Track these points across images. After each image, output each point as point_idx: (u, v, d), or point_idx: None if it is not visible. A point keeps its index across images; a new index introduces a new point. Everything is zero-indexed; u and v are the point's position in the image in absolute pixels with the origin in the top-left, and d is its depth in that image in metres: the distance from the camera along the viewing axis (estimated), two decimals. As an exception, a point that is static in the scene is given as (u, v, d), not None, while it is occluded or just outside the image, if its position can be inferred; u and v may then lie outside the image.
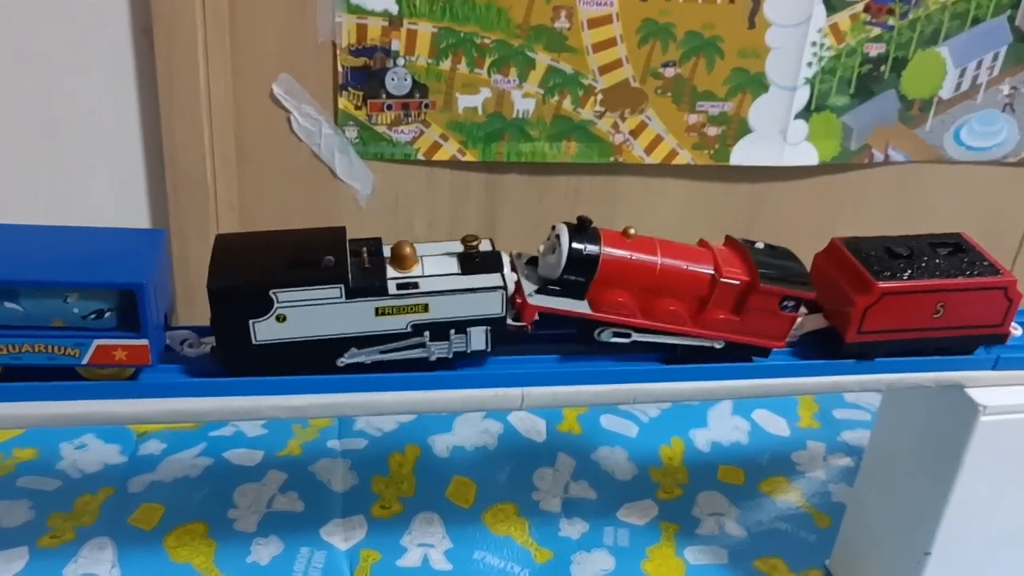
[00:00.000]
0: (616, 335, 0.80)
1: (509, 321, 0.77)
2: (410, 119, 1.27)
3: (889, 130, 1.41)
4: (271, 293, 0.71)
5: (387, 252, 0.77)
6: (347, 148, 1.28)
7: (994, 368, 0.89)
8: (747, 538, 1.17)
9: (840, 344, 0.85)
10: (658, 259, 0.79)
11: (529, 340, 0.80)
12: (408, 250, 0.76)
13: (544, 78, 1.27)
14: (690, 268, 0.80)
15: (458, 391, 0.79)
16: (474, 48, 1.24)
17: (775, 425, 1.37)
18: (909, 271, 0.84)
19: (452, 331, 0.76)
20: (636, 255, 0.79)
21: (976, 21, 1.34)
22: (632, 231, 0.80)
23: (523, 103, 1.29)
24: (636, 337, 0.80)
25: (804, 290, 0.81)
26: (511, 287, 0.76)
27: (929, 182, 1.47)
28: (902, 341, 0.86)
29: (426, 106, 1.27)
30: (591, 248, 0.78)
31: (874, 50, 1.33)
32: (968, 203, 1.51)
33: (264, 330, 0.73)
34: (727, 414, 1.38)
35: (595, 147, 1.33)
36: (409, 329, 0.75)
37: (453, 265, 0.77)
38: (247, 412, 0.77)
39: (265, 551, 1.08)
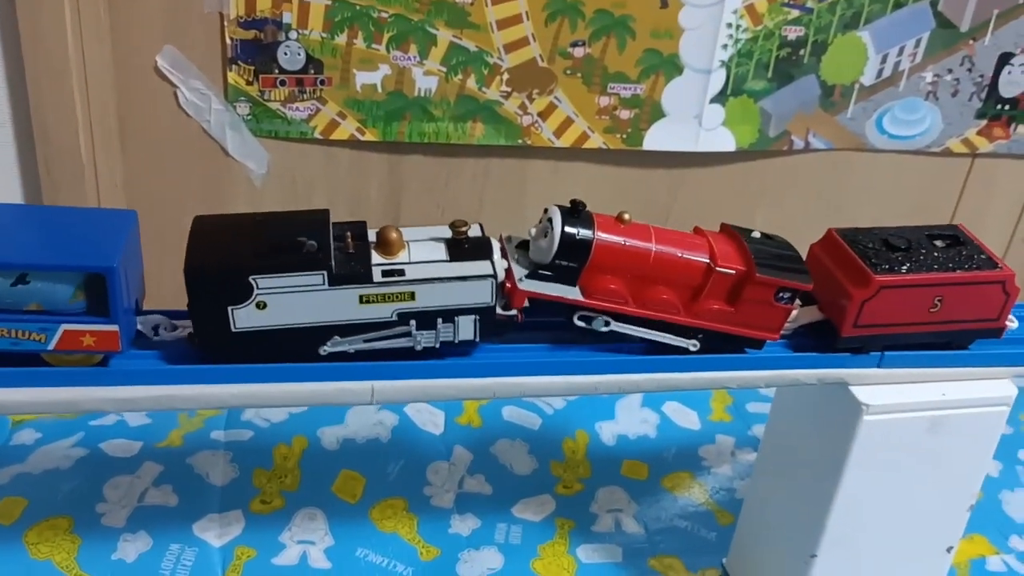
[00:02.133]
0: (607, 324, 0.77)
1: (498, 310, 0.75)
2: (305, 96, 1.21)
3: (809, 116, 1.37)
4: (251, 279, 0.69)
5: (372, 236, 0.74)
6: (239, 125, 1.22)
7: (879, 366, 0.86)
8: (644, 536, 1.13)
9: (836, 337, 0.83)
10: (652, 246, 0.77)
11: (518, 328, 0.78)
12: (394, 235, 0.73)
13: (446, 55, 1.22)
14: (685, 256, 0.78)
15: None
16: (371, 22, 1.18)
17: (686, 418, 1.34)
18: (907, 264, 0.82)
19: (440, 320, 0.73)
20: (630, 241, 0.76)
21: (898, 6, 1.31)
22: (627, 216, 0.77)
23: (425, 81, 1.23)
24: (622, 328, 0.78)
25: (801, 281, 0.79)
26: (501, 274, 0.74)
27: (852, 171, 1.44)
28: (899, 335, 0.84)
29: (322, 82, 1.21)
30: (584, 233, 0.75)
31: (793, 33, 1.29)
32: (892, 193, 1.47)
33: (244, 317, 0.70)
34: (636, 406, 1.34)
35: (502, 129, 1.28)
36: (394, 318, 0.72)
37: (441, 251, 0.74)
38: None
39: (132, 548, 1.02)
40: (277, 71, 1.19)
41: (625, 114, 1.30)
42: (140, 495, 1.08)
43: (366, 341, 0.73)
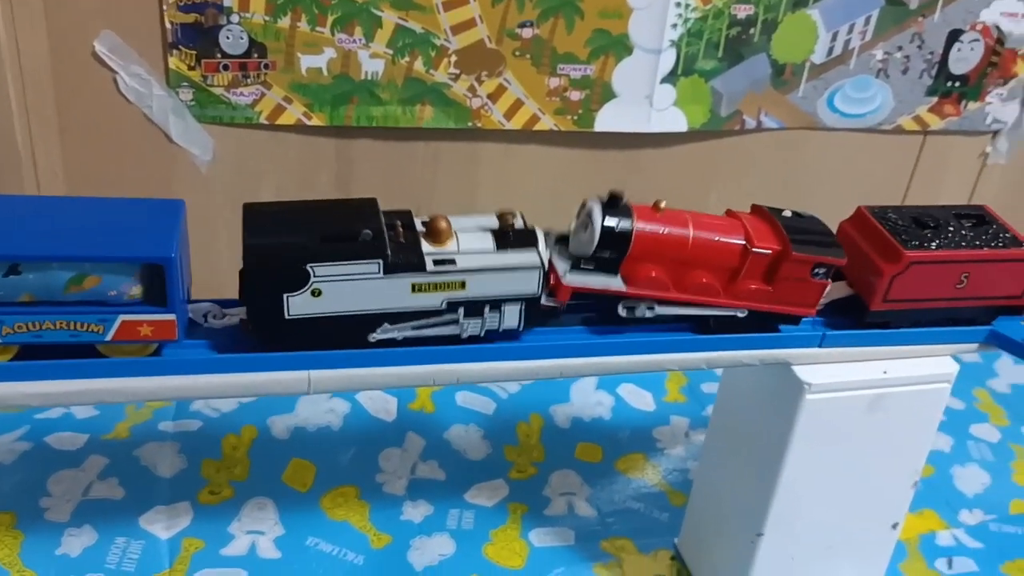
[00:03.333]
0: (650, 309, 0.79)
1: (543, 300, 0.76)
2: (249, 80, 1.19)
3: (761, 96, 1.37)
4: (308, 267, 0.69)
5: (419, 225, 0.75)
6: (182, 111, 1.20)
7: (820, 346, 0.86)
8: (597, 518, 1.13)
9: (865, 312, 0.85)
10: (690, 232, 0.78)
11: (559, 314, 0.80)
12: (444, 224, 0.74)
13: (392, 38, 1.20)
14: (721, 240, 0.79)
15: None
16: (315, 5, 1.16)
17: (641, 400, 1.34)
18: (936, 241, 0.84)
19: (487, 308, 0.75)
20: (668, 229, 0.78)
21: (847, -17, 1.30)
22: (663, 204, 0.79)
23: (371, 64, 1.22)
24: (670, 311, 0.80)
25: (836, 256, 0.80)
26: (547, 265, 0.75)
27: (804, 149, 1.44)
28: (926, 311, 0.86)
29: (266, 66, 1.19)
30: (624, 224, 0.76)
31: (742, 12, 1.29)
32: (845, 171, 1.48)
33: (298, 304, 0.71)
34: (591, 389, 1.34)
35: (451, 111, 1.27)
36: (444, 306, 0.74)
37: (488, 241, 0.75)
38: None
39: (77, 542, 1.01)
40: (220, 55, 1.17)
41: (575, 95, 1.29)
42: (85, 489, 1.07)
43: (415, 328, 0.74)
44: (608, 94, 1.30)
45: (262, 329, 0.72)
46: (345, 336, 0.73)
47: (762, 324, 0.83)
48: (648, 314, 0.79)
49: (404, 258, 0.72)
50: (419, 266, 0.72)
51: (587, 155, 1.36)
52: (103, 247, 0.67)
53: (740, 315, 0.82)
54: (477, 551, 1.07)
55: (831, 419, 0.87)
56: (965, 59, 1.40)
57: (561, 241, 0.81)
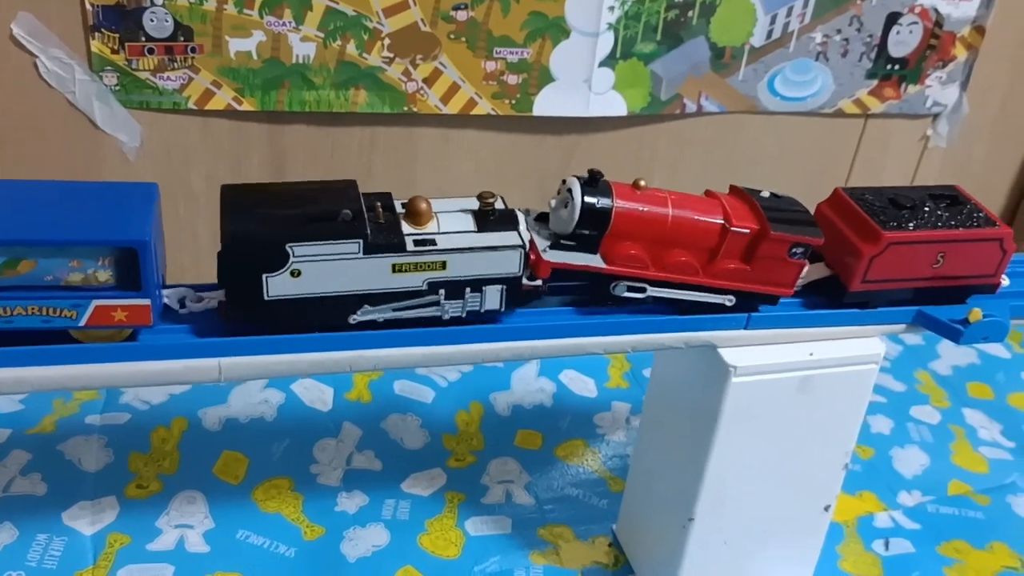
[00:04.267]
0: (630, 289, 0.80)
1: (524, 280, 0.76)
2: (176, 64, 1.17)
3: (701, 79, 1.36)
4: (287, 247, 0.69)
5: (399, 207, 0.75)
6: (107, 96, 1.16)
7: (746, 328, 0.85)
8: (535, 506, 1.12)
9: (843, 292, 0.86)
10: (669, 211, 0.79)
11: (538, 298, 0.80)
12: (424, 206, 0.74)
13: (323, 20, 1.18)
14: (700, 219, 0.80)
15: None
16: (242, -14, 1.13)
17: (582, 386, 1.33)
18: (913, 222, 0.85)
19: (468, 290, 0.75)
20: (648, 207, 0.79)
21: (785, -35, 1.30)
22: (643, 183, 0.80)
23: (302, 47, 1.19)
24: (650, 292, 0.80)
25: (813, 236, 0.81)
26: (527, 245, 0.76)
27: (746, 133, 1.43)
28: (903, 290, 0.87)
29: (193, 50, 1.16)
30: (604, 202, 0.77)
31: (680, -6, 1.28)
32: (787, 155, 1.47)
33: (277, 285, 0.70)
34: (532, 376, 1.32)
35: (386, 96, 1.25)
36: (425, 287, 0.74)
37: (469, 222, 0.76)
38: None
39: (-4, 540, 0.98)
40: (144, 39, 1.14)
41: (513, 79, 1.28)
42: (6, 485, 1.04)
43: (395, 310, 0.74)
44: (546, 78, 1.29)
45: (240, 311, 0.72)
46: (325, 318, 0.73)
47: (738, 305, 0.84)
48: (627, 294, 0.80)
49: (384, 238, 0.72)
50: (399, 246, 0.72)
51: (526, 140, 1.35)
52: (75, 231, 0.66)
53: (727, 303, 0.83)
54: (412, 541, 1.05)
55: (758, 402, 0.86)
56: (904, 42, 1.41)
57: (540, 220, 0.81)
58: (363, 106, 1.25)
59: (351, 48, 1.20)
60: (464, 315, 0.76)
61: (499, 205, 0.77)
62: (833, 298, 0.87)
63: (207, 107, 1.20)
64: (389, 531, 1.06)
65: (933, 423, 1.34)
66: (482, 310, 0.76)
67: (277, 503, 1.08)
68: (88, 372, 0.71)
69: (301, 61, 1.20)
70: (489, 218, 0.76)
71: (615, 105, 1.33)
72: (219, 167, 1.25)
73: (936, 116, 1.50)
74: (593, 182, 0.78)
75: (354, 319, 0.74)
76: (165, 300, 0.73)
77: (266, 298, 0.71)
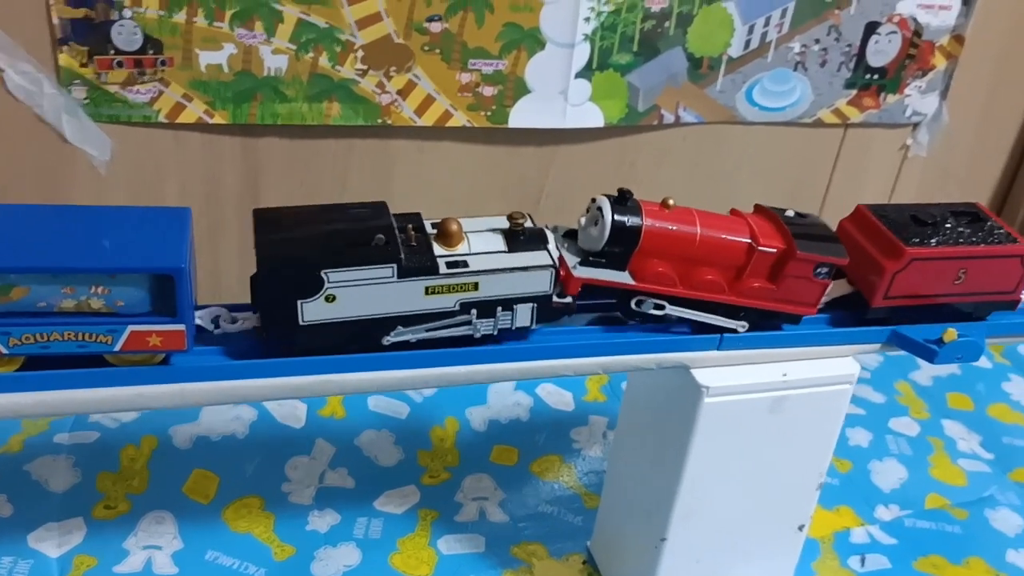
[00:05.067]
0: (656, 306, 0.80)
1: (554, 298, 0.77)
2: (146, 77, 1.15)
3: (678, 90, 1.35)
4: (322, 273, 0.70)
5: (429, 228, 0.76)
6: (76, 110, 1.15)
7: (719, 348, 0.84)
8: (509, 523, 1.11)
9: (866, 309, 0.86)
10: (697, 229, 0.80)
11: (568, 315, 0.82)
12: (455, 227, 0.75)
13: (295, 32, 1.16)
14: (728, 238, 0.81)
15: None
16: (211, -1, 1.12)
17: (559, 399, 1.32)
18: (935, 238, 0.86)
19: (499, 308, 0.76)
20: (677, 226, 0.79)
21: (763, -25, 1.29)
22: (671, 201, 0.80)
23: (274, 60, 1.18)
24: (676, 311, 0.81)
25: (838, 255, 0.82)
26: (557, 264, 0.77)
27: (725, 144, 1.43)
28: (925, 307, 0.88)
29: (163, 63, 1.15)
30: (633, 220, 0.78)
31: (656, 5, 1.27)
32: (767, 165, 1.47)
33: (312, 310, 0.71)
34: (509, 390, 1.31)
35: (360, 108, 1.23)
36: (457, 307, 0.75)
37: (499, 242, 0.77)
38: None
39: (-40, 563, 0.97)
40: (113, 52, 1.12)
41: (488, 91, 1.27)
42: (-29, 506, 1.03)
43: (428, 331, 0.75)
44: (522, 89, 1.28)
45: (276, 336, 0.72)
46: (359, 340, 0.74)
47: (762, 323, 0.84)
48: (652, 311, 0.80)
49: (417, 261, 0.72)
50: (432, 269, 0.73)
51: (503, 151, 1.34)
52: (111, 258, 0.67)
53: (741, 328, 0.83)
54: (383, 561, 1.04)
55: (731, 422, 0.85)
56: (883, 51, 1.40)
57: (568, 236, 0.82)
58: (337, 118, 1.23)
59: (324, 60, 1.19)
60: (495, 333, 0.77)
61: (528, 224, 0.78)
62: (855, 315, 0.88)
63: (178, 120, 1.18)
64: (360, 550, 1.05)
65: (912, 435, 1.34)
66: (513, 327, 0.77)
67: (248, 522, 1.06)
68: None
69: (273, 74, 1.18)
70: (519, 238, 0.77)
71: (592, 116, 1.32)
72: (192, 181, 1.23)
73: (916, 125, 1.49)
74: (623, 200, 0.79)
75: (388, 340, 0.74)
76: (198, 321, 0.74)
77: (301, 323, 0.71)
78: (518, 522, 1.11)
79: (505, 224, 0.77)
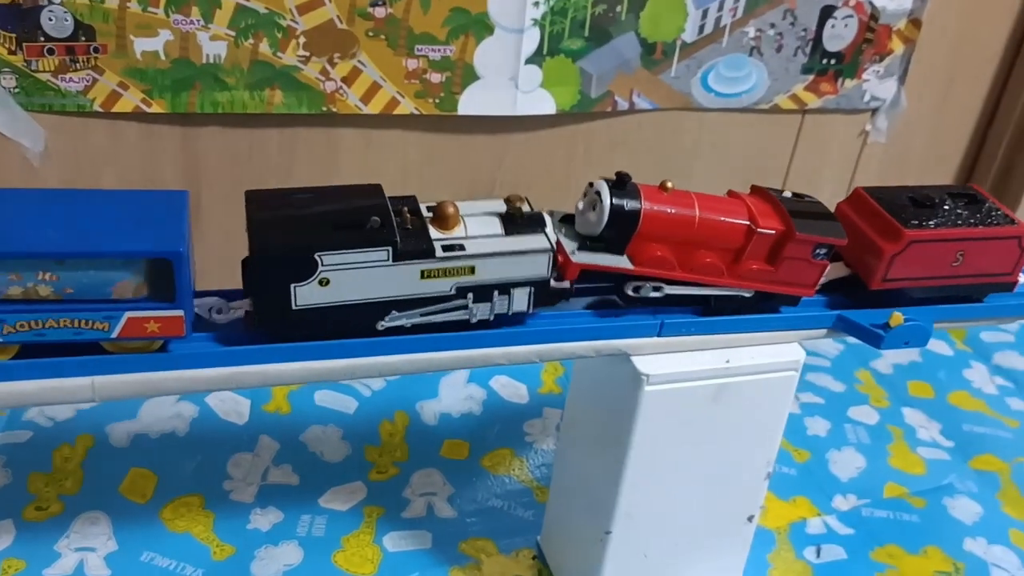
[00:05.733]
0: (655, 289, 0.79)
1: (552, 282, 0.76)
2: (78, 65, 1.11)
3: (632, 76, 1.32)
4: (316, 256, 0.68)
5: (424, 211, 0.74)
6: (6, 99, 1.11)
7: (659, 335, 0.81)
8: (457, 519, 1.08)
9: (865, 291, 0.86)
10: (696, 212, 0.79)
11: (566, 299, 0.80)
12: (452, 210, 0.74)
13: (233, 18, 1.13)
14: (726, 220, 0.80)
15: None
16: (145, -17, 1.08)
17: (514, 392, 1.29)
18: (934, 220, 0.85)
19: (496, 293, 0.74)
20: (675, 209, 0.78)
21: (715, -42, 1.27)
22: (670, 184, 0.79)
23: (212, 47, 1.14)
24: (675, 290, 0.80)
25: (837, 236, 0.81)
26: (555, 247, 0.75)
27: (681, 131, 1.40)
28: (923, 288, 0.87)
29: (96, 50, 1.11)
30: (632, 204, 0.77)
31: (607, -11, 1.24)
32: (724, 152, 1.44)
33: (306, 294, 0.70)
34: (462, 383, 1.28)
35: (304, 96, 1.20)
36: (453, 291, 0.73)
37: (496, 226, 0.75)
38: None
39: None
40: (43, 39, 1.09)
41: (436, 77, 1.24)
42: None
43: (423, 315, 0.73)
44: (471, 76, 1.25)
45: (268, 321, 0.71)
46: (353, 324, 0.72)
47: (760, 305, 0.83)
48: (652, 294, 0.79)
49: (413, 244, 0.71)
50: (428, 252, 0.71)
51: (453, 140, 1.31)
52: (108, 242, 0.65)
53: (746, 295, 0.82)
54: (326, 559, 1.01)
55: (674, 411, 0.83)
56: (839, 36, 1.38)
57: (565, 221, 0.81)
58: (280, 107, 1.20)
59: (264, 47, 1.16)
60: (492, 318, 0.76)
61: (526, 208, 0.76)
62: (854, 297, 0.87)
63: (114, 110, 1.15)
64: (303, 549, 1.02)
65: (871, 424, 1.32)
66: (510, 312, 0.76)
67: (186, 522, 1.03)
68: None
69: (212, 61, 1.15)
70: (516, 221, 0.75)
71: (544, 103, 1.30)
72: (131, 171, 1.20)
73: (875, 111, 1.48)
74: (621, 184, 0.77)
75: (382, 325, 0.73)
76: (196, 310, 0.72)
77: (294, 307, 0.70)
78: (467, 517, 1.09)
79: (502, 207, 0.76)
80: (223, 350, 0.71)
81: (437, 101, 1.25)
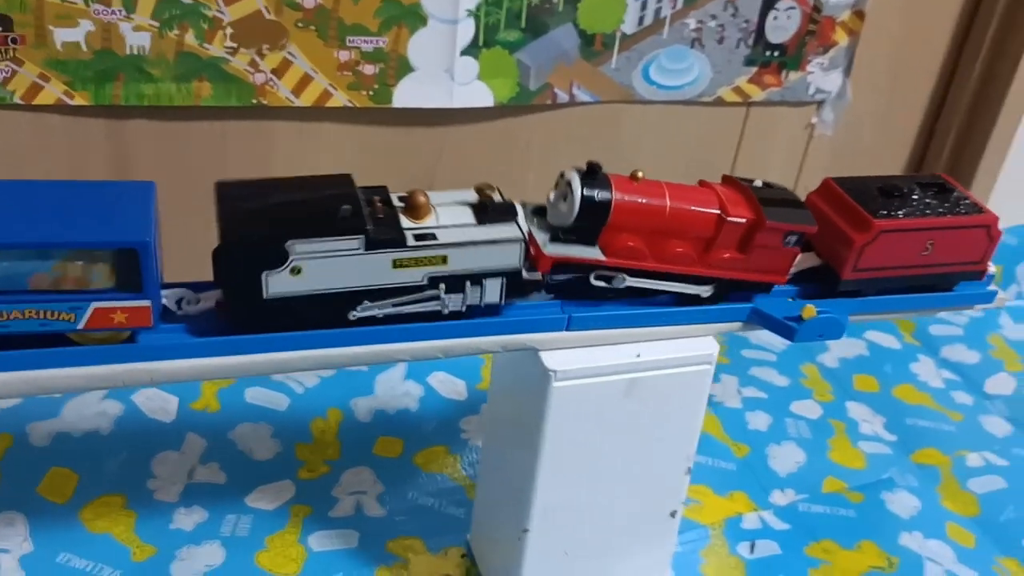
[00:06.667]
0: (627, 281, 0.79)
1: (524, 273, 0.76)
2: (-3, 57, 1.09)
3: (571, 68, 1.31)
4: (287, 244, 0.68)
5: (396, 200, 0.75)
6: (-77, 92, 1.09)
7: (567, 329, 0.80)
8: (386, 517, 1.07)
9: (836, 281, 0.87)
10: (667, 202, 0.79)
11: (539, 290, 0.81)
12: (423, 199, 0.74)
13: (157, 8, 1.11)
14: (697, 209, 0.80)
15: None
16: (63, -27, 1.06)
17: (452, 388, 1.28)
18: (903, 210, 0.86)
19: (468, 283, 0.74)
20: (647, 199, 0.78)
21: (653, -52, 1.25)
22: (640, 174, 0.79)
23: (136, 37, 1.12)
24: (646, 284, 0.80)
25: (807, 223, 0.81)
26: (526, 237, 0.75)
27: (623, 124, 1.39)
28: (894, 278, 0.88)
29: (14, 41, 1.08)
30: (603, 194, 0.77)
31: (544, -21, 1.22)
32: (668, 145, 1.43)
33: (277, 283, 0.70)
34: (399, 379, 1.27)
35: (232, 88, 1.18)
36: (425, 282, 0.73)
37: (468, 215, 0.75)
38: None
39: None
40: (-41, 30, 1.06)
41: (369, 69, 1.22)
42: None
43: (395, 305, 0.73)
44: (405, 68, 1.23)
45: (239, 311, 0.71)
46: (324, 314, 0.72)
47: (733, 294, 0.84)
48: (622, 285, 0.79)
49: (385, 233, 0.71)
50: (400, 241, 0.71)
51: (390, 133, 1.29)
52: (74, 232, 0.64)
53: (704, 294, 0.83)
54: (248, 560, 1.00)
55: (585, 407, 0.81)
56: (782, 27, 1.37)
57: (537, 212, 0.80)
58: (208, 99, 1.18)
59: (190, 38, 1.14)
60: (464, 309, 0.75)
61: (497, 197, 0.76)
62: (826, 287, 0.88)
63: (35, 102, 1.12)
64: (225, 549, 1.00)
65: (813, 418, 1.31)
66: (482, 304, 0.76)
67: (107, 522, 1.01)
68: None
69: (136, 52, 1.13)
70: (488, 211, 0.75)
71: (481, 96, 1.28)
72: (55, 166, 1.17)
73: (820, 103, 1.47)
74: (592, 174, 0.77)
75: (354, 315, 0.73)
76: (164, 301, 0.71)
77: (265, 296, 0.70)
78: (396, 516, 1.07)
79: (474, 197, 0.76)
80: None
81: (371, 93, 1.24)
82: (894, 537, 1.12)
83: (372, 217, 0.71)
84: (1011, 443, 1.30)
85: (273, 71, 1.19)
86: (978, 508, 1.18)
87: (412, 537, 1.05)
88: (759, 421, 1.29)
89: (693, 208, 0.80)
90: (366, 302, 0.73)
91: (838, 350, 1.47)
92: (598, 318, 0.80)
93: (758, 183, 0.84)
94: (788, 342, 1.48)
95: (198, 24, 1.13)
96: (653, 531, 0.93)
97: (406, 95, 1.25)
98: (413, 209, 0.73)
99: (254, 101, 1.20)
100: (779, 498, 1.17)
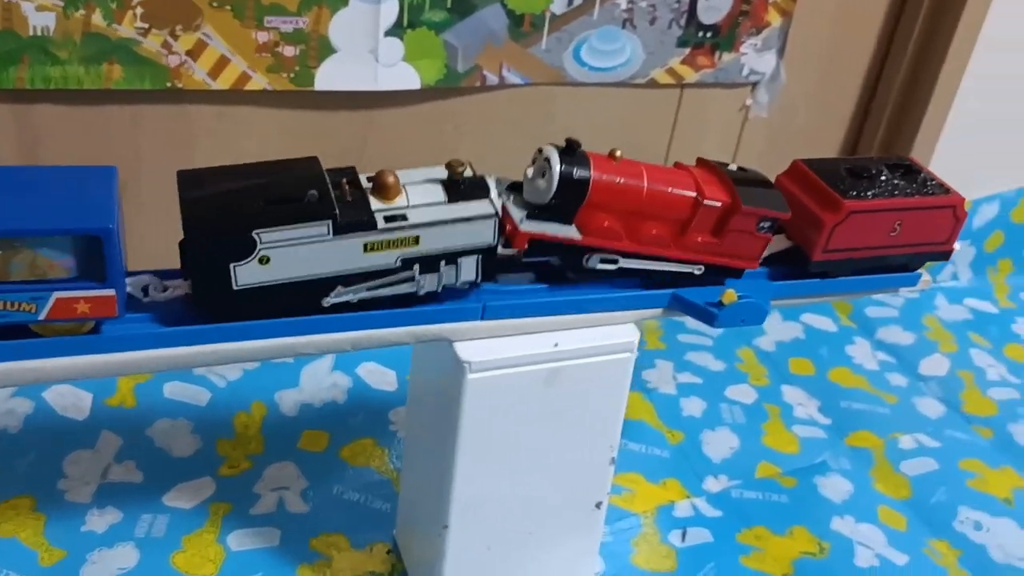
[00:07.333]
0: (603, 262, 0.79)
1: (500, 249, 0.75)
2: None
3: (500, 49, 1.28)
4: (254, 234, 0.66)
5: (364, 181, 0.72)
6: None
7: (482, 318, 0.77)
8: (309, 514, 1.04)
9: (807, 262, 0.87)
10: (644, 182, 0.78)
11: (515, 268, 0.79)
12: (391, 179, 0.71)
13: (60, -13, 1.06)
14: (674, 191, 0.79)
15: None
16: (-43, -51, 1.01)
17: (381, 379, 1.25)
18: (872, 191, 0.86)
19: (442, 263, 0.73)
20: (624, 179, 0.77)
21: (581, -74, 1.22)
22: (619, 153, 0.78)
23: (39, 18, 1.07)
24: (623, 263, 0.79)
25: (781, 210, 0.81)
26: (500, 213, 0.74)
27: (555, 106, 1.36)
28: (863, 259, 0.88)
29: (-93, 22, 1.03)
30: (581, 172, 0.75)
31: (467, -42, 1.19)
32: (601, 127, 1.41)
33: (246, 274, 0.68)
34: (325, 371, 1.23)
35: (145, 71, 1.13)
36: (399, 264, 0.72)
37: (439, 193, 0.73)
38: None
39: None
40: None
41: (289, 51, 1.18)
42: None
43: (369, 289, 0.72)
44: (327, 49, 1.19)
45: (209, 303, 0.69)
46: (297, 302, 0.71)
47: (707, 277, 0.84)
48: (598, 266, 0.78)
49: (354, 217, 0.69)
50: (370, 224, 0.69)
51: (313, 116, 1.25)
52: (34, 219, 0.62)
53: (697, 272, 0.82)
54: (164, 561, 0.96)
55: (502, 399, 0.79)
56: (715, 8, 1.35)
57: (513, 188, 0.79)
58: (120, 82, 1.13)
59: (97, 18, 1.09)
60: (439, 289, 0.74)
61: (468, 173, 0.74)
62: (797, 269, 0.88)
63: (-66, 86, 1.07)
64: (140, 550, 0.97)
65: (748, 403, 1.30)
66: (458, 283, 0.74)
67: (14, 526, 0.97)
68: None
69: (40, 33, 1.08)
70: (459, 187, 0.73)
71: (407, 78, 1.25)
72: (-42, 153, 1.12)
73: (754, 85, 1.45)
74: (571, 151, 0.76)
75: (327, 302, 0.71)
76: (129, 289, 0.69)
77: (235, 288, 0.68)
78: (320, 512, 1.04)
79: (444, 174, 0.74)
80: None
81: (292, 76, 1.19)
82: (826, 522, 1.11)
83: (340, 200, 0.69)
84: (943, 424, 1.30)
85: (188, 53, 1.14)
86: (910, 491, 1.18)
87: (336, 533, 1.02)
88: (694, 407, 1.28)
89: (670, 190, 0.79)
90: (339, 288, 0.71)
91: (775, 333, 1.47)
92: (514, 307, 0.78)
93: (733, 167, 0.83)
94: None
95: (106, 3, 1.08)
96: (579, 523, 0.92)
97: (329, 77, 1.21)
98: (382, 190, 0.71)
99: (168, 84, 1.15)
100: (712, 484, 1.16)
